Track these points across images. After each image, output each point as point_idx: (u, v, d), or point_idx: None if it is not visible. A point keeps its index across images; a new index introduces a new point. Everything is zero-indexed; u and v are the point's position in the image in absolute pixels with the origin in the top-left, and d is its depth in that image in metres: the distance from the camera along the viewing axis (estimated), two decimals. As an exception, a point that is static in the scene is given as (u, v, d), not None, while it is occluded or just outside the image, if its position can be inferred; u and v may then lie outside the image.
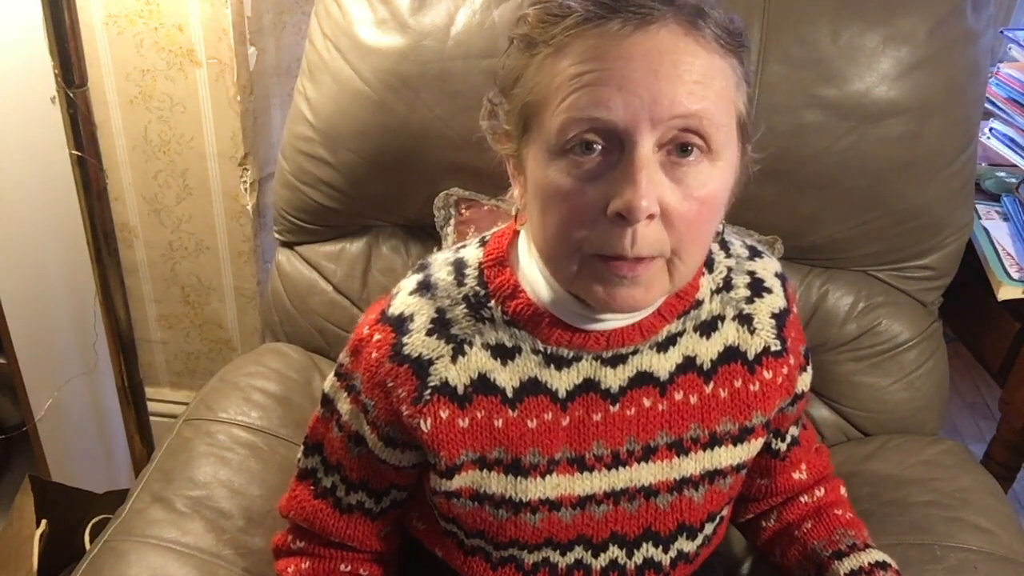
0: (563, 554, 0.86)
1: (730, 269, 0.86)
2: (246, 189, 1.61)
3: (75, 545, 1.47)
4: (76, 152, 1.30)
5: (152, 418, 1.62)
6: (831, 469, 1.01)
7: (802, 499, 0.97)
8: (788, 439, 0.95)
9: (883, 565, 0.90)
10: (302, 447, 0.92)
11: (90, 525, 1.48)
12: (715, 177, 0.69)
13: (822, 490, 0.98)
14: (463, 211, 1.21)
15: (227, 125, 1.55)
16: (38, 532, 1.39)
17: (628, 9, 0.65)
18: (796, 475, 0.96)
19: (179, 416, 1.19)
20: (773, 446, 0.94)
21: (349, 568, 0.92)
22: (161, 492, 1.06)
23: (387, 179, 1.21)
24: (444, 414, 0.80)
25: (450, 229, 1.22)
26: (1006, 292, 1.30)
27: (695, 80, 0.65)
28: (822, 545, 0.93)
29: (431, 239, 1.27)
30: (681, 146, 0.67)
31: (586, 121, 0.66)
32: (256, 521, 1.05)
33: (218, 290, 1.74)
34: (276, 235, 1.33)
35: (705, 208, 0.69)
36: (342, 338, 1.20)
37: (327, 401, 0.88)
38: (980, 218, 1.40)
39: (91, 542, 1.32)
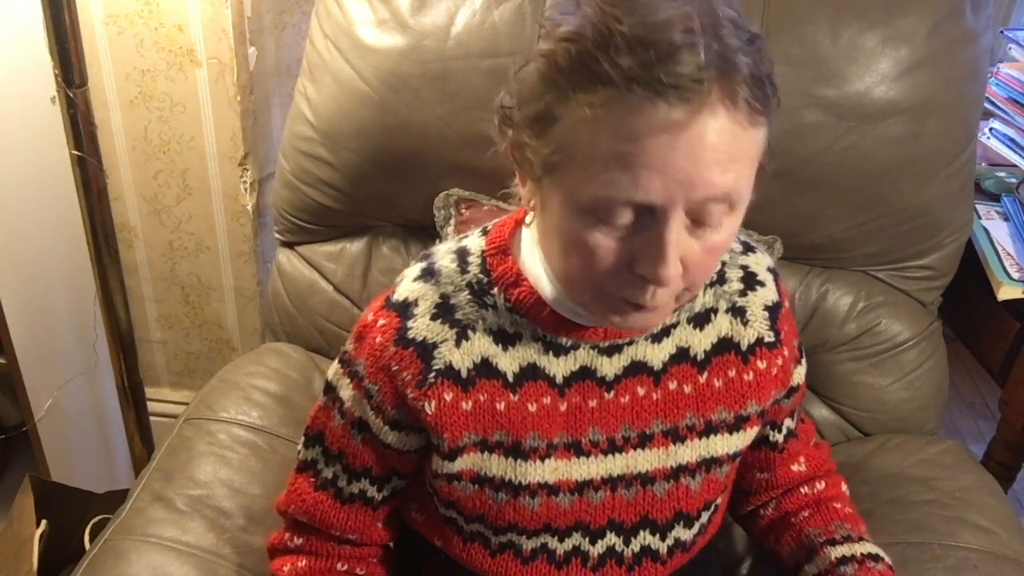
0: (561, 540, 0.87)
1: (724, 263, 0.88)
2: (246, 189, 1.61)
3: (75, 545, 1.47)
4: (76, 152, 1.30)
5: (152, 418, 1.62)
6: (832, 465, 1.02)
7: (802, 490, 0.99)
8: (784, 431, 0.96)
9: (875, 557, 0.91)
10: (302, 439, 0.93)
11: (90, 525, 1.48)
12: (732, 222, 0.71)
13: (823, 483, 0.99)
14: (463, 211, 1.21)
15: (227, 125, 1.55)
16: (38, 532, 1.39)
17: (672, 87, 0.62)
18: (795, 467, 0.98)
19: (179, 416, 1.19)
20: (771, 439, 0.96)
21: (346, 567, 0.93)
22: (161, 491, 1.06)
23: (387, 179, 1.22)
24: (448, 397, 0.81)
25: (450, 229, 1.22)
26: (1006, 292, 1.30)
27: (730, 159, 0.66)
28: (817, 533, 0.95)
29: (431, 239, 1.27)
30: (707, 212, 0.68)
31: (623, 201, 0.66)
32: (256, 520, 1.05)
33: (218, 290, 1.74)
34: (276, 235, 1.33)
35: (720, 250, 0.72)
36: (342, 338, 1.19)
37: (329, 389, 0.89)
38: (980, 218, 1.40)
39: (91, 542, 1.32)
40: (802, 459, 0.98)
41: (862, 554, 0.90)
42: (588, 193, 0.67)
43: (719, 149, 0.64)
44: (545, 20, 0.70)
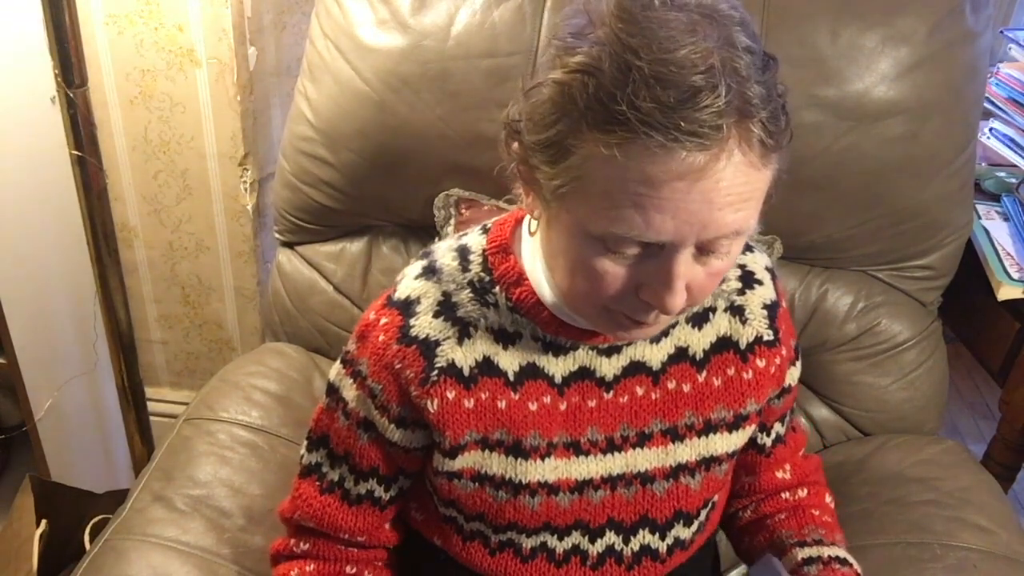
0: (560, 539, 0.88)
1: None
2: (246, 189, 1.61)
3: (75, 545, 1.47)
4: (76, 152, 1.30)
5: (152, 418, 1.62)
6: (819, 477, 1.02)
7: (783, 495, 0.99)
8: (773, 435, 0.97)
9: (843, 561, 0.91)
10: (305, 443, 0.92)
11: (90, 525, 1.48)
12: (737, 246, 0.71)
13: (805, 491, 0.99)
14: (463, 211, 1.21)
15: (227, 125, 1.55)
16: (38, 532, 1.39)
17: (690, 134, 0.61)
18: (780, 474, 0.98)
19: (179, 416, 1.19)
20: (758, 441, 0.96)
21: (355, 571, 0.92)
22: (162, 491, 1.06)
23: (387, 179, 1.22)
24: (451, 394, 0.81)
25: (450, 229, 1.22)
26: (1006, 292, 1.30)
27: (743, 200, 0.66)
28: (789, 534, 0.95)
29: (431, 239, 1.26)
30: (716, 244, 0.69)
31: (634, 240, 0.66)
32: (256, 520, 1.05)
33: (218, 290, 1.74)
34: (276, 235, 1.33)
35: (724, 272, 0.73)
36: (342, 338, 1.20)
37: (332, 390, 0.89)
38: (980, 218, 1.40)
39: (91, 542, 1.32)
40: (788, 467, 0.98)
41: (829, 556, 0.90)
42: (598, 226, 0.67)
43: (732, 192, 0.64)
44: (555, 39, 0.69)
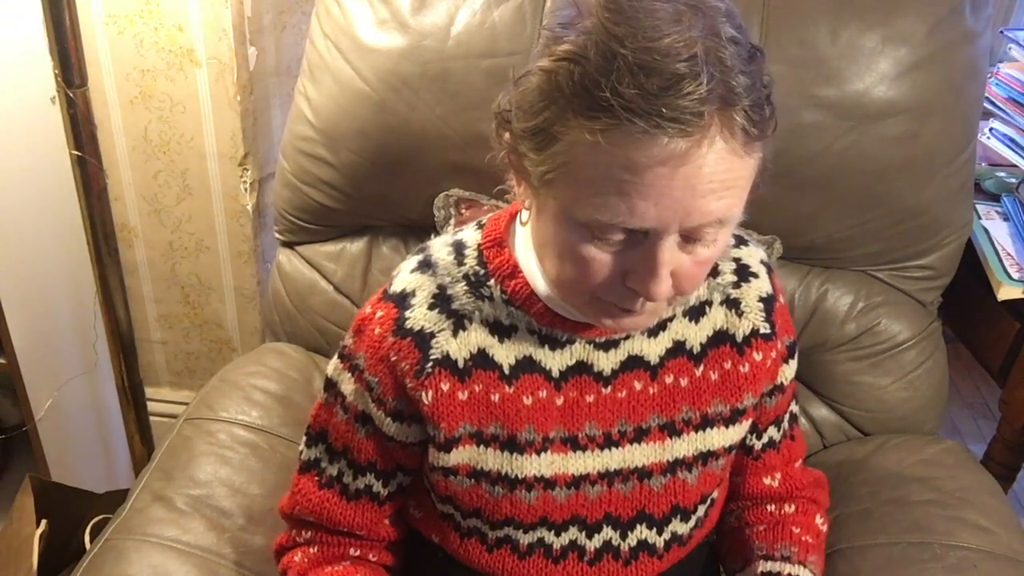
0: (557, 535, 0.88)
1: None
2: (246, 189, 1.61)
3: (75, 545, 1.47)
4: (76, 152, 1.30)
5: (152, 418, 1.62)
6: (815, 494, 1.00)
7: (768, 507, 0.98)
8: (765, 439, 0.96)
9: None
10: (304, 438, 0.93)
11: (90, 525, 1.48)
12: (723, 236, 0.72)
13: (792, 507, 0.98)
14: (463, 211, 1.21)
15: (227, 125, 1.55)
16: (38, 532, 1.39)
17: (672, 120, 0.62)
18: (767, 481, 0.97)
19: (179, 416, 1.19)
20: (747, 442, 0.96)
21: (359, 553, 0.93)
22: (162, 491, 1.06)
23: (387, 179, 1.22)
24: (445, 387, 0.82)
25: (450, 229, 1.22)
26: (1006, 292, 1.29)
27: (726, 188, 0.66)
28: (760, 546, 0.95)
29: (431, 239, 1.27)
30: (700, 232, 0.69)
31: (617, 226, 0.67)
32: (256, 520, 1.05)
33: (218, 290, 1.74)
34: (276, 235, 1.33)
35: (710, 262, 0.73)
36: (342, 338, 1.20)
37: (330, 385, 0.89)
38: (980, 218, 1.40)
39: (91, 542, 1.32)
40: (778, 475, 0.97)
41: (788, 574, 0.90)
42: (583, 213, 0.68)
43: (715, 179, 0.65)
44: (545, 29, 0.70)
